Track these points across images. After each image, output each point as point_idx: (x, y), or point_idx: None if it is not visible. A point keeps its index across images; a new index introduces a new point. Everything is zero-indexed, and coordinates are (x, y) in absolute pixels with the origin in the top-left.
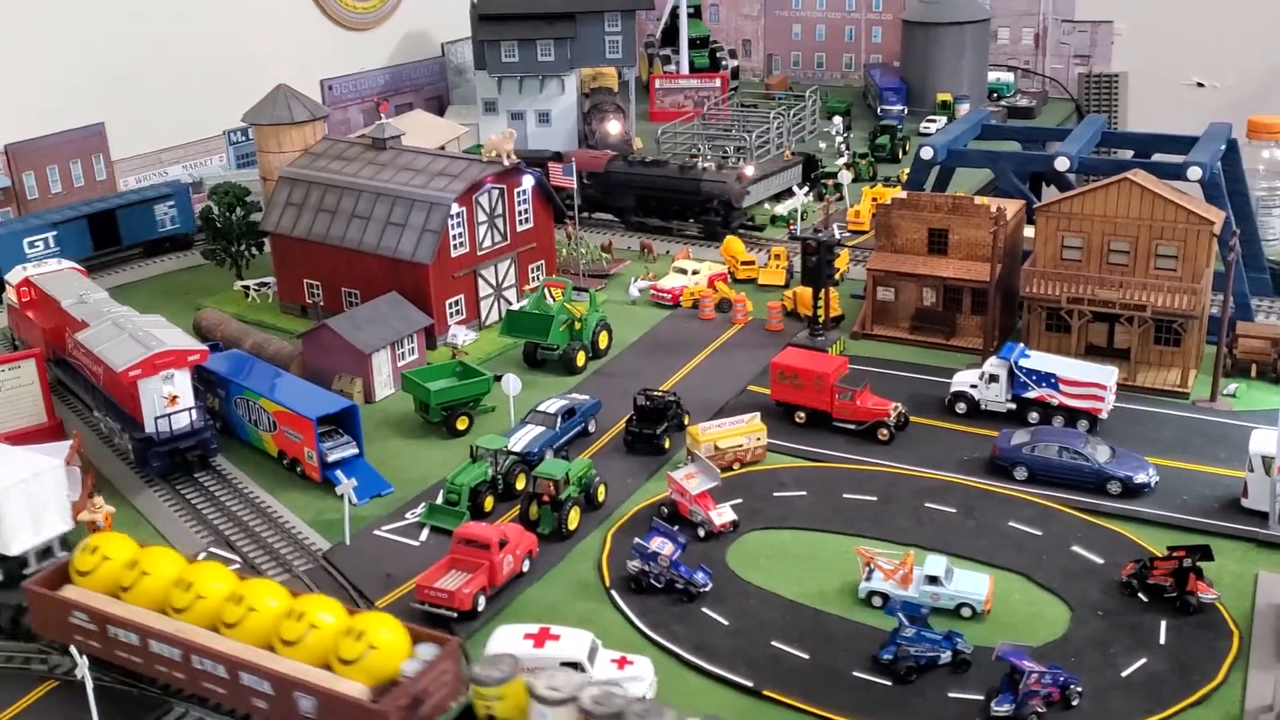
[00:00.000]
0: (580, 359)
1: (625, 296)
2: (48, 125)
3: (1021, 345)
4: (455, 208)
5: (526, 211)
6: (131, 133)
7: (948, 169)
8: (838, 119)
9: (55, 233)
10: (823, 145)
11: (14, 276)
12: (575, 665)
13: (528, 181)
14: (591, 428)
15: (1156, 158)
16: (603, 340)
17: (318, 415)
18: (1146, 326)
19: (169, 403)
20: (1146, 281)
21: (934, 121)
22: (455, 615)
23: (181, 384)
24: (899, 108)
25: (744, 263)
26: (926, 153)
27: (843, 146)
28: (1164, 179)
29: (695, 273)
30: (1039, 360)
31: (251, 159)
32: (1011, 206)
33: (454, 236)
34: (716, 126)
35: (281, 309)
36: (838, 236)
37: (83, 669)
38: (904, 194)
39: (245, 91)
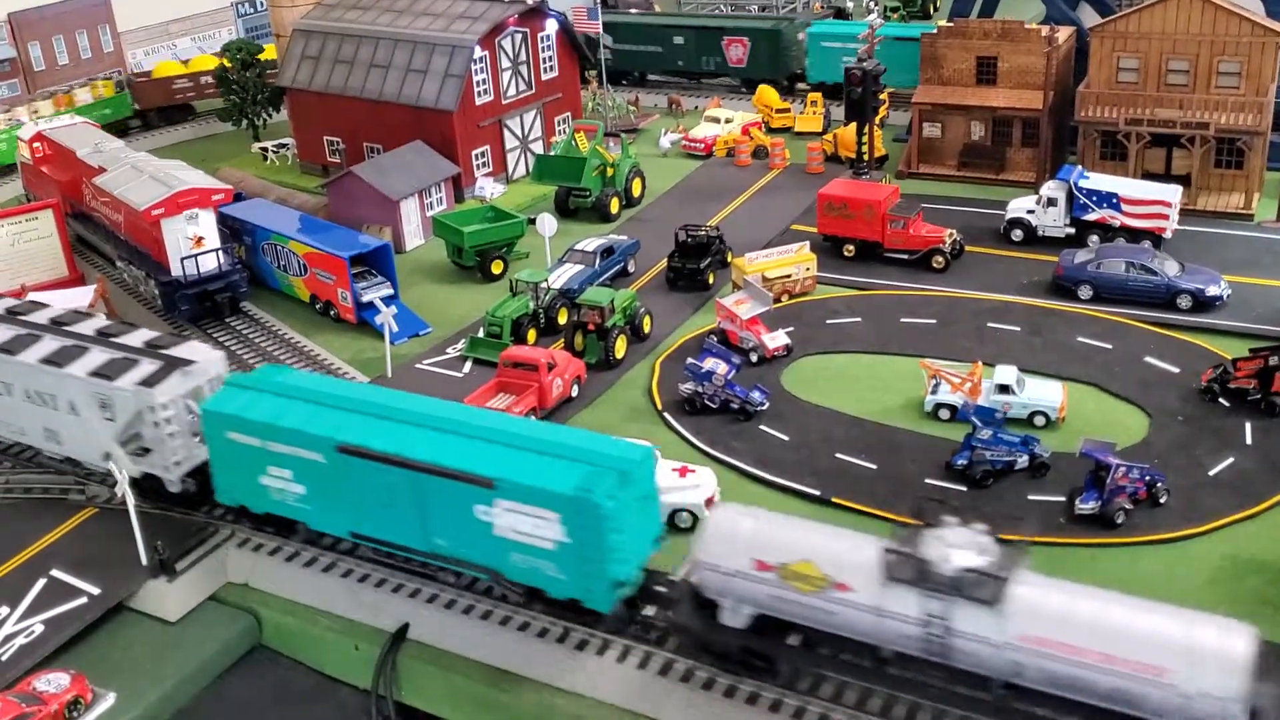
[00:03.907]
0: (614, 205)
1: (656, 150)
2: None
3: (1080, 167)
4: (478, 51)
5: (551, 59)
6: (137, 4)
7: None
8: None
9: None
10: (850, 4)
11: (25, 132)
12: None
13: (551, 25)
14: (631, 267)
15: None
16: (636, 187)
17: (350, 254)
18: (1208, 147)
19: (194, 244)
20: (1208, 98)
21: None
22: None
23: (206, 224)
24: None
25: (779, 110)
26: None
27: (871, 3)
28: None
29: (729, 121)
30: (1099, 180)
31: (261, 31)
32: (1062, 33)
33: (478, 83)
34: None
35: (301, 170)
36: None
37: (123, 486)
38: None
39: None
